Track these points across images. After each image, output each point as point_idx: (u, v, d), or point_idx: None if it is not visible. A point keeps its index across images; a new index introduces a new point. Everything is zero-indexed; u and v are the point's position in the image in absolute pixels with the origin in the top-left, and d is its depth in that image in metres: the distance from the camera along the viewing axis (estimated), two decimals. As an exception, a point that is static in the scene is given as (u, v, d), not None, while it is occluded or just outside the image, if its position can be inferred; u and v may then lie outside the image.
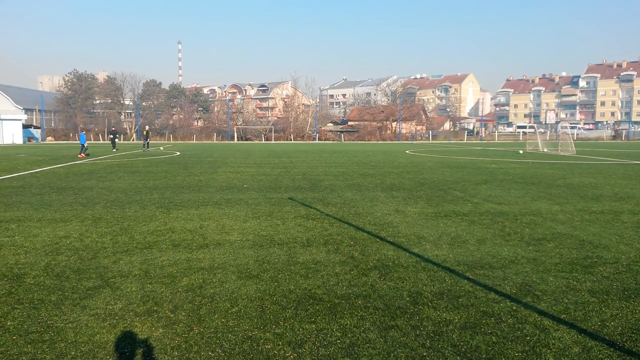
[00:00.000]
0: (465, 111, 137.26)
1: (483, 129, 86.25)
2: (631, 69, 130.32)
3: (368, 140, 69.30)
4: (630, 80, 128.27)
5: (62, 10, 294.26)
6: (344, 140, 70.33)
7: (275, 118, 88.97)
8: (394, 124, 75.38)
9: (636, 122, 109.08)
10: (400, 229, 7.70)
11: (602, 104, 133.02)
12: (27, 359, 3.44)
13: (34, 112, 77.95)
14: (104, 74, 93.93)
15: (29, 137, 61.66)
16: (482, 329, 3.90)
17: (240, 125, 76.45)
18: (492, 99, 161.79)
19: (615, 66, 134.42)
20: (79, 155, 27.65)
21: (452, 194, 11.75)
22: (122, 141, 64.04)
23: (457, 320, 4.08)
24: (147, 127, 43.54)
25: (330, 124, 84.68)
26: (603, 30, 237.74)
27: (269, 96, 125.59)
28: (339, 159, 25.96)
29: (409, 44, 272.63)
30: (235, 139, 72.28)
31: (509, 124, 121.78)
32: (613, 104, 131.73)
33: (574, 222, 8.19)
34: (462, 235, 7.26)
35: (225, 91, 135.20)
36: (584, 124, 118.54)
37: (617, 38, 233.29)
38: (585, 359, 3.43)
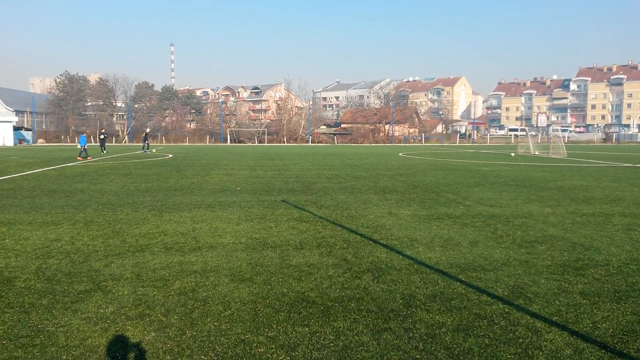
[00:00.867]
0: (457, 114, 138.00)
1: (475, 131, 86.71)
2: (621, 72, 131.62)
3: (361, 143, 69.43)
4: (621, 84, 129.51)
5: (54, 12, 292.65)
6: (337, 143, 70.39)
7: (269, 120, 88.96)
8: (386, 127, 75.58)
9: (626, 125, 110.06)
10: (393, 231, 7.72)
11: (593, 107, 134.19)
12: (18, 363, 3.40)
13: (25, 114, 77.42)
14: (96, 76, 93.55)
15: (20, 139, 61.20)
16: (475, 332, 3.92)
17: (233, 127, 76.32)
18: (484, 102, 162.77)
19: (605, 70, 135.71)
20: (78, 158, 27.43)
21: (445, 196, 11.79)
22: (113, 143, 63.65)
23: (449, 322, 4.09)
24: (147, 130, 43.41)
25: (324, 127, 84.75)
26: (594, 34, 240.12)
27: (262, 98, 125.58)
28: (332, 162, 25.98)
29: (401, 47, 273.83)
30: (228, 141, 72.14)
31: (501, 127, 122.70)
32: (603, 107, 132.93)
33: (565, 225, 8.25)
34: (455, 237, 7.28)
35: (218, 93, 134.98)
36: (575, 127, 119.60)
37: (608, 42, 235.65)
38: (576, 361, 3.45)
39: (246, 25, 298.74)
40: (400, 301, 4.59)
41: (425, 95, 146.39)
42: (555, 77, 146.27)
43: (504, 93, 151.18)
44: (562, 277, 5.35)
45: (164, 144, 65.41)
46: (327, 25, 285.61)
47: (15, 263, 5.86)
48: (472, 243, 6.93)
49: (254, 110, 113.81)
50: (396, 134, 74.95)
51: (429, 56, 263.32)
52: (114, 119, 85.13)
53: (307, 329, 3.97)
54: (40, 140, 68.65)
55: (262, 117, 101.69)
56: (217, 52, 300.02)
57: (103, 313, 4.29)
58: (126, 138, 71.69)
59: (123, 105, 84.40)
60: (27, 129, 66.74)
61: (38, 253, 6.32)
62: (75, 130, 73.08)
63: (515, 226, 8.13)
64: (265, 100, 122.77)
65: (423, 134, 77.68)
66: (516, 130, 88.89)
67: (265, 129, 74.92)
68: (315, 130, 78.17)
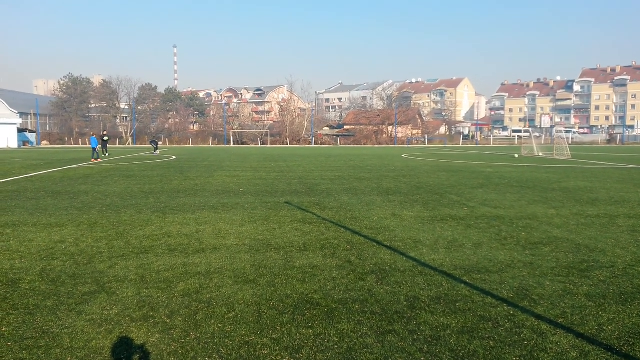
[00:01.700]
0: (460, 115, 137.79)
1: (478, 133, 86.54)
2: (625, 73, 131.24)
3: (364, 144, 69.36)
4: (624, 85, 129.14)
5: (57, 14, 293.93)
6: (340, 144, 70.36)
7: (272, 122, 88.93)
8: (390, 128, 75.49)
9: (630, 126, 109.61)
10: (397, 233, 7.70)
11: (597, 108, 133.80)
12: (22, 365, 3.41)
13: (29, 116, 77.62)
14: (100, 78, 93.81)
15: (24, 141, 61.40)
16: (480, 334, 3.90)
17: (237, 129, 76.37)
18: (487, 103, 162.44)
19: (609, 71, 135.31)
20: (92, 160, 27.59)
21: (449, 198, 11.77)
22: (117, 145, 63.82)
23: (454, 324, 4.08)
24: (156, 134, 44.23)
25: (327, 128, 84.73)
26: (597, 35, 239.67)
27: (265, 100, 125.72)
28: (335, 163, 25.97)
29: (404, 48, 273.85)
30: (232, 143, 72.19)
31: (504, 128, 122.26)
32: (607, 108, 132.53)
33: (570, 226, 8.22)
34: (459, 239, 7.26)
35: (221, 95, 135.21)
36: (579, 128, 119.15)
37: (611, 43, 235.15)
38: (582, 364, 3.43)
39: (249, 27, 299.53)
40: (405, 303, 4.58)
41: (428, 96, 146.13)
42: (558, 78, 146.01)
43: (507, 94, 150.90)
44: (567, 279, 5.32)
45: (168, 145, 65.54)
46: (330, 27, 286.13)
47: (20, 265, 5.87)
48: (477, 245, 6.91)
49: (256, 112, 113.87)
50: (399, 135, 74.89)
51: (432, 57, 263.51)
52: (118, 120, 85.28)
53: (311, 330, 3.97)
54: (44, 142, 68.89)
55: (265, 118, 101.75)
56: (220, 54, 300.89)
57: (107, 315, 4.29)
58: (130, 140, 71.86)
59: (126, 107, 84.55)
60: (31, 131, 66.97)
61: (42, 255, 6.33)
62: (79, 132, 73.30)
63: (520, 228, 8.11)
64: (268, 102, 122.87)
65: (426, 136, 77.57)
66: (520, 131, 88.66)
67: (268, 131, 74.92)
68: (318, 132, 78.14)
